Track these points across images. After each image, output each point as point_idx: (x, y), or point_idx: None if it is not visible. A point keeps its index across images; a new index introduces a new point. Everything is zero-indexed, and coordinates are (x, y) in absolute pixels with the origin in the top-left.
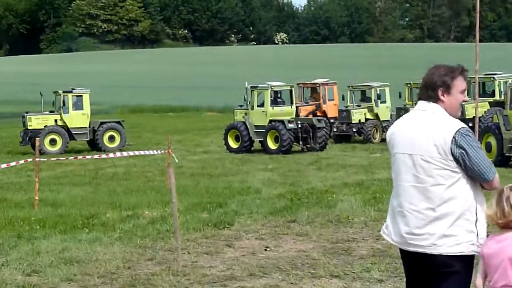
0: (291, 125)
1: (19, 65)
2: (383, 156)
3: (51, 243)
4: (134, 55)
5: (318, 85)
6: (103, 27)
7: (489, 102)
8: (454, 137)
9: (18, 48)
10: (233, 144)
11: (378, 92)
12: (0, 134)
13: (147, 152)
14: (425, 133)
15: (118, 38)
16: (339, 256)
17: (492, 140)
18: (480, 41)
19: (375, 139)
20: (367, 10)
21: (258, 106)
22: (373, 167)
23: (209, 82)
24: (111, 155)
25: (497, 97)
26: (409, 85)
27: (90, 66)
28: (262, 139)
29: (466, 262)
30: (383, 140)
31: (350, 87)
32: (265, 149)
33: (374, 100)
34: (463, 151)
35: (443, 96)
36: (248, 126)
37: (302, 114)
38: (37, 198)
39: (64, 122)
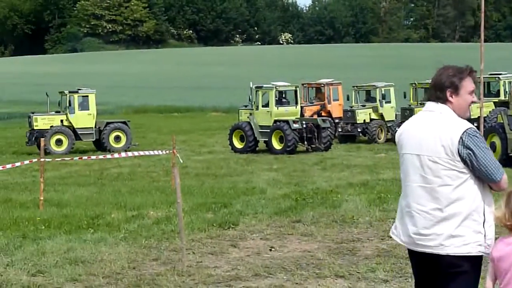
0: (296, 125)
1: (24, 66)
2: (388, 156)
3: (56, 243)
4: (138, 55)
5: (323, 85)
6: (107, 28)
7: (494, 102)
8: (461, 137)
9: (23, 48)
10: (238, 144)
11: (383, 92)
12: (6, 134)
13: (152, 153)
14: (432, 134)
15: (122, 39)
16: (344, 256)
17: (497, 140)
18: (485, 41)
19: (380, 139)
20: (371, 10)
21: (263, 106)
22: (378, 167)
23: (214, 82)
24: (116, 155)
25: (502, 97)
26: (414, 85)
27: (95, 66)
28: (267, 139)
29: (474, 263)
30: (388, 140)
31: (355, 87)
32: (270, 149)
33: (379, 100)
34: (470, 152)
35: (452, 97)
36: (253, 126)
37: (307, 114)
38: (42, 198)
39: (70, 123)
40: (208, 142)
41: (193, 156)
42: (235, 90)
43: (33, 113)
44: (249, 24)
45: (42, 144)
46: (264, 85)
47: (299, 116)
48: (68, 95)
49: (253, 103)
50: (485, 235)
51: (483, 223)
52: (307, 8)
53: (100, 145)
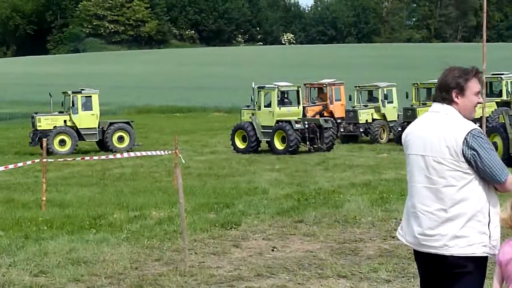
0: (298, 126)
1: (26, 66)
2: (390, 156)
3: (58, 243)
4: (141, 55)
5: (325, 85)
6: (110, 28)
7: (496, 102)
8: (465, 138)
9: (25, 49)
10: (240, 145)
11: (385, 92)
12: (8, 134)
13: (154, 153)
14: (437, 134)
15: (125, 39)
16: (346, 257)
17: (498, 140)
18: (487, 41)
19: (382, 139)
20: (374, 10)
21: (265, 106)
22: (380, 167)
23: (216, 83)
24: (118, 155)
25: (504, 97)
26: (416, 85)
27: (97, 67)
28: (269, 140)
29: (478, 263)
30: (390, 140)
31: (357, 87)
32: (272, 150)
33: (381, 100)
34: (474, 153)
35: (457, 98)
36: (255, 127)
37: (309, 114)
38: (44, 198)
39: (73, 123)
40: (210, 142)
41: (195, 156)
42: (237, 90)
43: (36, 113)
44: (251, 24)
45: (44, 144)
46: (266, 85)
47: (301, 116)
48: (71, 96)
49: (255, 103)
50: (490, 236)
51: (488, 224)
52: (309, 8)
53: (104, 146)
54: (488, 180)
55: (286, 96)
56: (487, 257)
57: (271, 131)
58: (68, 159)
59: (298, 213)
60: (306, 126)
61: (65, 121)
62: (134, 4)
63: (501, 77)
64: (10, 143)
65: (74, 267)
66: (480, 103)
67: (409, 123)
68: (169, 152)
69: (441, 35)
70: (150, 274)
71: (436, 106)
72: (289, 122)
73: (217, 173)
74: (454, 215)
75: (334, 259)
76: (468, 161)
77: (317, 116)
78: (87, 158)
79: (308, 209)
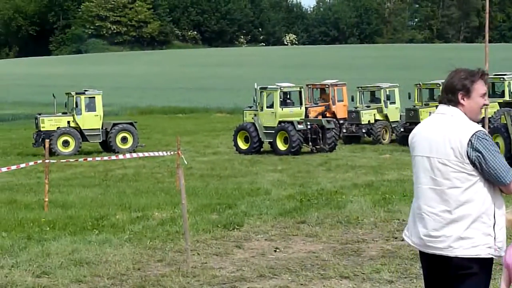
0: (300, 126)
1: (28, 67)
2: (392, 157)
3: (61, 244)
4: (143, 56)
5: (327, 86)
6: (112, 29)
7: (499, 103)
8: (470, 140)
9: (28, 50)
10: (243, 145)
11: (387, 93)
12: (10, 135)
13: (156, 154)
14: (442, 136)
15: (127, 40)
16: (348, 257)
17: (500, 141)
18: (490, 41)
19: (384, 140)
20: (376, 11)
21: (267, 107)
22: (382, 168)
23: (219, 83)
24: (120, 156)
25: (506, 98)
26: (418, 85)
27: (100, 67)
28: (271, 140)
29: (483, 265)
30: (393, 141)
31: (360, 88)
32: (274, 150)
33: (384, 101)
34: (479, 154)
35: (463, 99)
36: (258, 127)
37: (312, 115)
38: (47, 199)
39: (77, 124)
40: (213, 143)
41: (197, 157)
42: (240, 91)
43: (40, 114)
44: (253, 25)
45: (47, 145)
46: (269, 86)
47: (303, 117)
48: (74, 96)
49: (257, 104)
50: (495, 238)
51: (493, 225)
52: (312, 9)
53: (107, 146)
54: (493, 182)
55: (288, 97)
56: (492, 258)
57: (273, 132)
58: (71, 160)
59: (301, 214)
60: (309, 126)
61: (68, 122)
62: (137, 5)
63: (503, 78)
64: (12, 144)
65: (76, 268)
66: (486, 105)
67: (411, 123)
68: (172, 153)
69: (444, 36)
70: (152, 275)
71: (442, 108)
72: (291, 123)
73: (220, 174)
74: (458, 217)
75: (336, 259)
76: (472, 163)
77: (320, 117)
78: (89, 159)
79: (311, 210)
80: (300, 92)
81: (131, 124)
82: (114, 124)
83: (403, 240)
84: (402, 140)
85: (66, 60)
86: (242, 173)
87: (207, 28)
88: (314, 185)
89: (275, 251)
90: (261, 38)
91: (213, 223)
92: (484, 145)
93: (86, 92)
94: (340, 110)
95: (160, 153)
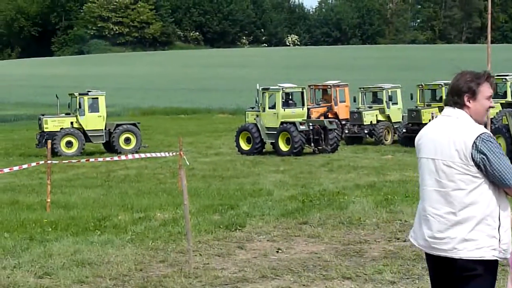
0: (302, 127)
1: (30, 68)
2: (394, 158)
3: (63, 245)
4: (145, 57)
5: (329, 86)
6: (114, 30)
7: (501, 104)
8: (475, 142)
9: (30, 50)
10: (245, 146)
11: (389, 94)
12: (12, 136)
13: (158, 154)
14: (447, 138)
15: (129, 41)
16: (351, 258)
17: (502, 142)
18: (492, 42)
19: (386, 140)
20: (378, 11)
21: (269, 108)
22: (384, 168)
23: (221, 84)
24: (122, 157)
25: (509, 98)
26: (420, 86)
27: (102, 68)
28: (273, 141)
29: (488, 267)
30: (395, 141)
31: (362, 89)
32: (276, 151)
33: (386, 101)
34: (484, 157)
35: (469, 102)
36: (260, 128)
37: (314, 116)
38: (49, 200)
39: (80, 124)
40: (215, 144)
41: (199, 158)
42: (242, 92)
43: (43, 115)
44: (255, 26)
45: (49, 146)
46: (271, 87)
47: (305, 118)
48: (78, 97)
49: (259, 104)
50: (499, 240)
51: (498, 228)
52: (314, 9)
53: (110, 147)
54: (498, 184)
55: (290, 97)
56: (497, 260)
57: (275, 132)
58: (73, 160)
59: (303, 215)
60: (311, 127)
61: (72, 123)
62: (139, 6)
63: (505, 79)
64: (15, 145)
65: (78, 268)
66: (491, 107)
67: (413, 124)
68: (174, 153)
69: (446, 37)
70: (154, 276)
71: (448, 110)
72: (293, 123)
73: (222, 175)
74: (463, 219)
75: (338, 260)
76: (477, 165)
77: (322, 118)
78: (91, 159)
79: (313, 210)
80: (302, 93)
81: (134, 125)
82: (118, 125)
83: (405, 241)
84: (404, 140)
85: (68, 61)
86: (244, 174)
87: (209, 29)
88: (316, 185)
89: (277, 252)
90: (263, 39)
91: (215, 224)
92: (488, 147)
93: (89, 93)
94: (342, 110)
95: (162, 154)
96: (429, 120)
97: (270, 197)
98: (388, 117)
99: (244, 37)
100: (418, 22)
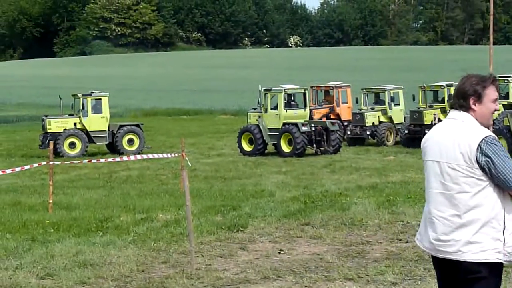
0: (304, 128)
1: (32, 69)
2: (396, 159)
3: (65, 246)
4: (147, 58)
5: (331, 88)
6: (116, 31)
7: (503, 105)
8: (479, 145)
9: (32, 51)
10: (247, 147)
11: (391, 95)
12: (15, 137)
13: (160, 155)
14: (452, 141)
15: (131, 41)
16: (353, 259)
17: (503, 143)
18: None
19: (388, 142)
20: (380, 12)
21: (271, 109)
22: (386, 170)
23: (223, 85)
24: (125, 158)
25: (510, 100)
26: (422, 87)
27: (104, 69)
28: (275, 142)
29: (492, 269)
30: (397, 143)
31: (364, 90)
32: (278, 152)
33: (388, 103)
34: (488, 160)
35: (475, 105)
36: (262, 129)
37: (316, 117)
38: (51, 201)
39: (84, 126)
40: (217, 145)
41: (202, 159)
42: (244, 93)
43: (46, 116)
44: (258, 27)
45: (51, 147)
46: (273, 88)
47: (308, 119)
48: (81, 98)
49: (262, 106)
50: (504, 243)
51: (503, 230)
52: (316, 10)
53: (114, 148)
54: (502, 187)
55: (292, 98)
56: (501, 263)
57: (277, 133)
58: (75, 161)
59: (305, 216)
60: (313, 128)
61: (75, 123)
62: (141, 6)
63: (507, 80)
64: (17, 146)
65: (80, 269)
66: (497, 110)
67: (415, 125)
68: (176, 154)
69: (448, 38)
70: (156, 277)
71: (454, 113)
72: (295, 124)
73: (224, 176)
74: (467, 221)
75: (340, 261)
76: (482, 168)
77: (324, 119)
78: (93, 160)
79: (315, 211)
80: (304, 94)
81: (137, 126)
82: (121, 126)
83: (407, 242)
84: (406, 142)
85: (70, 62)
86: (246, 175)
87: (212, 30)
88: (318, 187)
89: (279, 253)
90: (265, 40)
91: (217, 225)
92: (493, 150)
93: (92, 94)
94: (345, 112)
95: (164, 155)
96: (431, 121)
97: (272, 198)
98: (390, 118)
99: (246, 38)
100: (420, 23)
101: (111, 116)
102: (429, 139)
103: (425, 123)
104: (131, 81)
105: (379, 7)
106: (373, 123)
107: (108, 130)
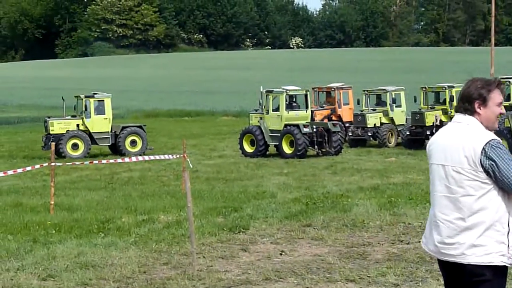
0: (306, 130)
1: (34, 70)
2: (398, 161)
3: (66, 247)
4: (149, 59)
5: (333, 89)
6: (118, 32)
7: (505, 106)
8: (484, 148)
9: (34, 53)
10: (248, 149)
11: (393, 96)
12: (16, 138)
13: (162, 157)
14: (456, 144)
15: (133, 43)
16: (354, 261)
17: (504, 144)
18: (496, 45)
19: (390, 143)
20: (382, 14)
21: (273, 110)
22: (388, 171)
23: (224, 87)
24: (126, 159)
25: None
26: (424, 89)
27: (105, 70)
28: (277, 144)
29: (497, 272)
30: (398, 144)
31: (365, 91)
32: (280, 154)
33: (389, 104)
34: (492, 163)
35: (480, 108)
36: (263, 131)
37: (317, 118)
38: (52, 202)
39: (86, 127)
40: (219, 146)
41: (203, 160)
42: (246, 94)
43: (49, 117)
44: (259, 28)
45: (52, 148)
46: (275, 89)
47: (309, 120)
48: (84, 100)
49: (263, 107)
50: (508, 246)
51: (507, 233)
52: (318, 12)
53: (116, 150)
54: (507, 190)
55: (294, 100)
56: (506, 266)
57: (279, 135)
58: (76, 163)
59: (306, 217)
60: (314, 130)
61: (78, 125)
62: (143, 8)
63: (509, 81)
64: (18, 147)
65: (82, 271)
66: (502, 113)
67: (417, 127)
68: (177, 156)
69: (450, 39)
70: (158, 278)
71: (458, 116)
72: (297, 126)
73: (225, 177)
74: (472, 224)
75: (342, 263)
76: (486, 171)
77: (325, 120)
78: (95, 161)
79: (316, 213)
80: (306, 95)
81: (140, 127)
82: (123, 127)
83: (408, 243)
84: (407, 143)
85: (72, 63)
86: (248, 176)
87: (213, 31)
88: (320, 188)
89: (280, 254)
90: (267, 41)
91: (219, 226)
92: (497, 154)
93: (95, 95)
94: (346, 113)
95: (166, 156)
96: (433, 123)
97: (273, 199)
98: (392, 120)
99: (248, 40)
100: (421, 25)
101: (113, 117)
102: (434, 143)
103: (427, 124)
104: (132, 83)
105: (381, 9)
106: (375, 124)
107: (111, 131)
